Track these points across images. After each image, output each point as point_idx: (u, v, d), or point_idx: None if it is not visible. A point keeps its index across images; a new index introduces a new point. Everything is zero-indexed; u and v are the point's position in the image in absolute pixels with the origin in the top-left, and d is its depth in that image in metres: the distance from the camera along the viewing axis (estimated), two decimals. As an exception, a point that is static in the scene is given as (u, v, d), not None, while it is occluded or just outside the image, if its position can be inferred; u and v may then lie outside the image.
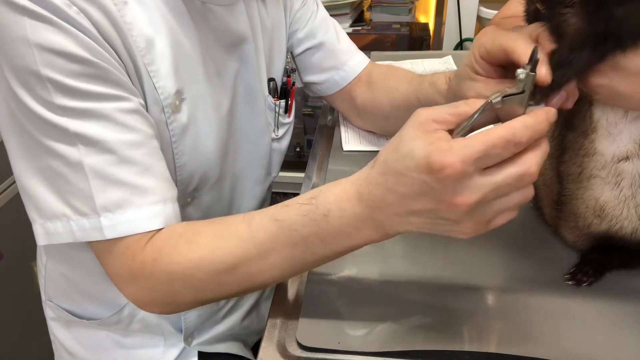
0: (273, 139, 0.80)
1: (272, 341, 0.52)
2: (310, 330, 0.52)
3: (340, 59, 0.82)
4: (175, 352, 0.76)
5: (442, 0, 1.71)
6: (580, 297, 0.55)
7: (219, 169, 0.70)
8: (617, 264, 0.58)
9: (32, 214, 0.54)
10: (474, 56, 0.54)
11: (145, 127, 0.54)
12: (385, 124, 0.83)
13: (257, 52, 0.72)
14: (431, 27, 1.75)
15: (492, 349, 0.50)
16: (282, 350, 0.52)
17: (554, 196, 0.59)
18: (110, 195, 0.51)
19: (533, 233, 0.64)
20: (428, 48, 1.58)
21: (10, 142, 0.53)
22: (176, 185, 0.65)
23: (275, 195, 1.86)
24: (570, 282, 0.56)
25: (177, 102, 0.61)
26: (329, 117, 0.94)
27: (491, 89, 0.52)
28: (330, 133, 0.89)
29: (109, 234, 0.52)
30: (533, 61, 0.43)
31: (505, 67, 0.53)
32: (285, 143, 0.83)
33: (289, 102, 0.80)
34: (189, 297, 0.54)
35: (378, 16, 1.65)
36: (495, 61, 0.52)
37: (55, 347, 0.82)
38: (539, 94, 0.45)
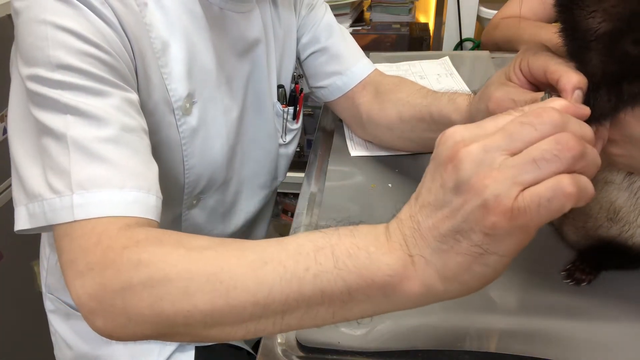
0: (280, 145, 0.81)
1: (272, 341, 0.52)
2: (310, 330, 0.52)
3: (343, 64, 0.82)
4: (172, 346, 0.76)
5: (442, 0, 1.71)
6: (581, 297, 0.55)
7: (226, 173, 0.71)
8: (615, 264, 0.58)
9: (19, 196, 0.49)
10: (513, 65, 0.52)
11: (142, 122, 0.53)
12: (389, 136, 0.80)
13: (268, 59, 0.73)
14: (431, 27, 1.75)
15: (492, 349, 0.50)
16: (282, 350, 0.52)
17: None
18: (90, 171, 0.46)
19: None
20: (428, 48, 1.58)
21: (11, 125, 0.53)
22: (184, 187, 0.66)
23: (276, 196, 1.86)
24: (568, 282, 0.57)
25: (188, 105, 0.62)
26: (330, 118, 0.94)
27: (520, 95, 0.51)
28: (330, 133, 0.89)
29: (79, 214, 0.45)
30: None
31: (537, 86, 0.51)
32: (292, 148, 0.84)
33: (297, 108, 0.80)
34: (144, 304, 0.40)
35: (378, 16, 1.65)
36: (532, 77, 0.51)
37: (55, 340, 0.82)
38: None
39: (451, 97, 0.69)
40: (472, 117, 0.61)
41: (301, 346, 0.51)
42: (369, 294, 0.37)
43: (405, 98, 0.76)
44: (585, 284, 0.56)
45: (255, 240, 0.42)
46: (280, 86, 0.78)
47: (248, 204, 0.80)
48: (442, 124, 0.67)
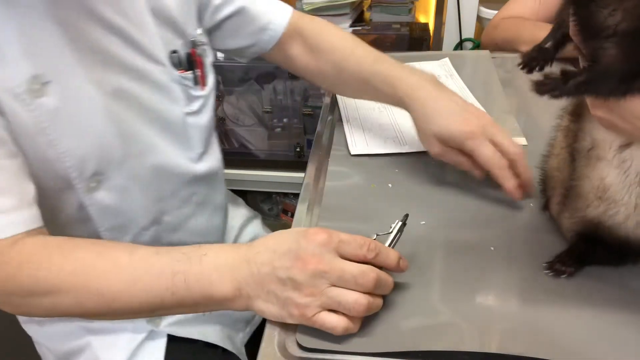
0: (188, 114, 0.75)
1: (272, 341, 0.52)
2: (310, 330, 0.52)
3: (262, 20, 0.82)
4: (141, 335, 0.75)
5: (442, 0, 1.71)
6: (580, 297, 0.55)
7: (122, 149, 0.67)
8: (598, 258, 0.58)
9: None
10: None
11: None
12: (335, 88, 0.89)
13: (141, 26, 0.68)
14: (431, 27, 1.75)
15: (492, 349, 0.50)
16: (282, 350, 0.52)
17: (565, 181, 0.60)
18: None
19: (533, 234, 0.64)
20: (428, 48, 1.58)
21: None
22: (68, 171, 0.63)
23: (276, 196, 1.85)
24: (547, 272, 0.57)
25: (37, 87, 0.58)
26: (329, 117, 0.94)
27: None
28: (330, 133, 0.89)
29: None
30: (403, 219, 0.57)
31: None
32: (205, 118, 0.78)
33: (199, 73, 0.76)
34: (45, 306, 0.56)
35: (378, 16, 1.65)
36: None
37: (39, 349, 0.83)
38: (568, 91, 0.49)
39: (386, 79, 0.75)
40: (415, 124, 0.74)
41: (301, 346, 0.51)
42: (210, 305, 0.55)
43: (342, 60, 0.81)
44: (565, 276, 0.57)
45: (132, 254, 0.55)
46: (174, 51, 0.73)
47: (171, 183, 0.76)
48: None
